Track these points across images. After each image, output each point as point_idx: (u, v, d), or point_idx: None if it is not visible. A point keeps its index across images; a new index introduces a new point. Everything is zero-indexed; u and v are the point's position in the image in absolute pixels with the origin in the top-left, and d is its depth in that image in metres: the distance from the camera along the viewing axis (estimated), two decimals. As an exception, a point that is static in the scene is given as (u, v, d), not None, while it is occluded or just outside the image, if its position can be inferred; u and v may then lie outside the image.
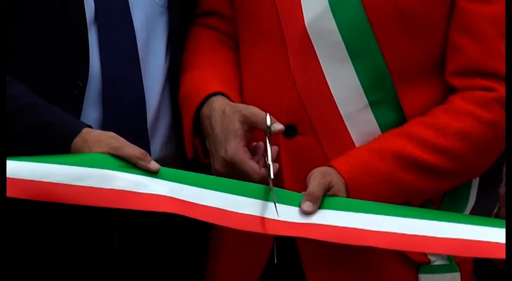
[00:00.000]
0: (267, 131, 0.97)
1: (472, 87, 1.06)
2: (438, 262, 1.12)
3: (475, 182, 1.13)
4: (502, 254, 0.84)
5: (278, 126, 0.98)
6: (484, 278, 1.47)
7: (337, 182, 0.99)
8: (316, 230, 0.96)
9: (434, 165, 1.04)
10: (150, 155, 1.09)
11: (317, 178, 0.98)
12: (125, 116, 1.15)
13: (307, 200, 0.95)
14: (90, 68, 1.10)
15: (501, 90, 1.03)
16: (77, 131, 1.04)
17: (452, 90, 1.07)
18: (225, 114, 1.04)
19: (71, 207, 1.00)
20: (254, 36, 1.17)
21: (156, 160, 1.04)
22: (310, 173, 1.00)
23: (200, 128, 1.11)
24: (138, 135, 1.14)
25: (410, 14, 1.06)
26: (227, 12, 1.22)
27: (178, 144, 1.22)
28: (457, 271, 1.14)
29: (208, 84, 1.13)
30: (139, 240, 1.29)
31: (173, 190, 0.95)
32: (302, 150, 1.09)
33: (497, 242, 0.86)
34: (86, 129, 1.03)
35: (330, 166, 1.01)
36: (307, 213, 0.95)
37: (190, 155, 1.15)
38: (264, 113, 0.99)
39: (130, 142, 1.05)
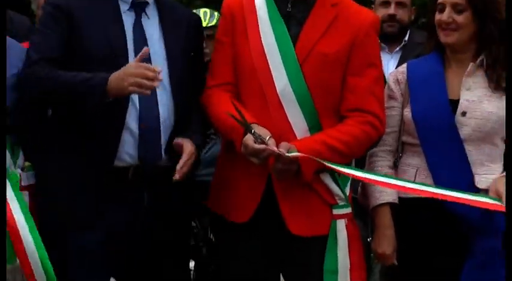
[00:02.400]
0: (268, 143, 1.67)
1: (355, 115, 1.81)
2: (341, 203, 1.87)
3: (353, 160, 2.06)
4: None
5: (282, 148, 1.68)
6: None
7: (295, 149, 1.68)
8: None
9: (341, 150, 1.77)
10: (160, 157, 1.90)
11: (283, 144, 1.66)
12: (152, 129, 1.86)
13: (282, 147, 1.64)
14: (131, 109, 1.81)
15: (369, 117, 1.80)
16: (105, 76, 1.71)
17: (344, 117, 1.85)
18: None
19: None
20: (250, 94, 1.88)
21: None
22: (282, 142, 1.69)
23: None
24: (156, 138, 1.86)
25: (325, 95, 1.83)
26: (234, 81, 1.90)
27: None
28: (349, 207, 1.90)
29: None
30: (162, 197, 1.94)
31: None
32: None
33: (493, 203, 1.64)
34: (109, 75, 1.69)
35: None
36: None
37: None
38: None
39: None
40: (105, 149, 1.92)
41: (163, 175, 1.92)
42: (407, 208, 1.97)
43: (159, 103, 1.92)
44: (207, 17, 3.16)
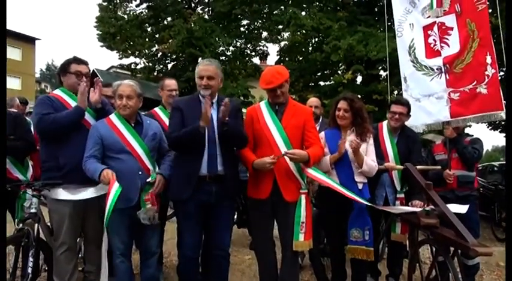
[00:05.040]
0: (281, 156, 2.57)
1: (315, 145, 2.71)
2: (303, 187, 2.68)
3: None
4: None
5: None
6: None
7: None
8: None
9: (318, 154, 2.72)
10: (217, 171, 2.60)
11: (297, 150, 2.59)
12: (213, 156, 2.58)
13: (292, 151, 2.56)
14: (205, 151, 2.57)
15: (320, 145, 2.77)
16: (197, 125, 2.45)
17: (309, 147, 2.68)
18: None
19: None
20: (263, 145, 2.71)
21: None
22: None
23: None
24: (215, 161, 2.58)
25: (296, 142, 2.68)
26: (252, 141, 2.74)
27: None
28: (306, 189, 2.71)
29: (253, 158, 2.67)
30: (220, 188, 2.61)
31: None
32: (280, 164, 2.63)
33: None
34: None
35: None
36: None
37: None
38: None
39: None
40: (195, 168, 2.61)
41: (220, 177, 2.63)
42: (328, 190, 2.82)
43: (217, 147, 2.62)
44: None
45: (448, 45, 3.75)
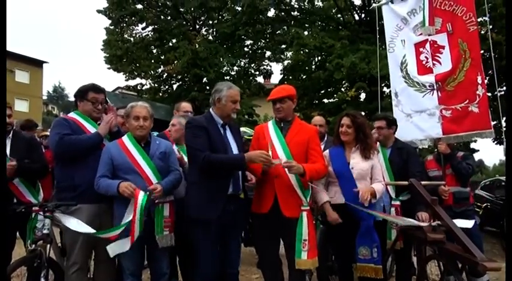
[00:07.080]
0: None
1: (318, 163, 2.76)
2: (304, 204, 2.68)
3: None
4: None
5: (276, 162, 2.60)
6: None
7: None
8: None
9: (318, 170, 2.73)
10: (239, 189, 2.75)
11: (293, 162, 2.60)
12: (236, 179, 2.69)
13: (288, 162, 2.60)
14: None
15: (323, 163, 2.82)
16: (242, 156, 2.60)
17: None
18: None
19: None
20: None
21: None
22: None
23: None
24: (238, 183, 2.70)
25: (298, 158, 2.70)
26: None
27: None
28: (307, 206, 2.72)
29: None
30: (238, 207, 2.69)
31: None
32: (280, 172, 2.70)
33: None
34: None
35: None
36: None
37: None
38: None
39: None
40: (223, 187, 2.66)
41: (237, 196, 2.75)
42: (335, 208, 2.93)
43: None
44: (251, 131, 4.40)
45: (440, 63, 3.84)
